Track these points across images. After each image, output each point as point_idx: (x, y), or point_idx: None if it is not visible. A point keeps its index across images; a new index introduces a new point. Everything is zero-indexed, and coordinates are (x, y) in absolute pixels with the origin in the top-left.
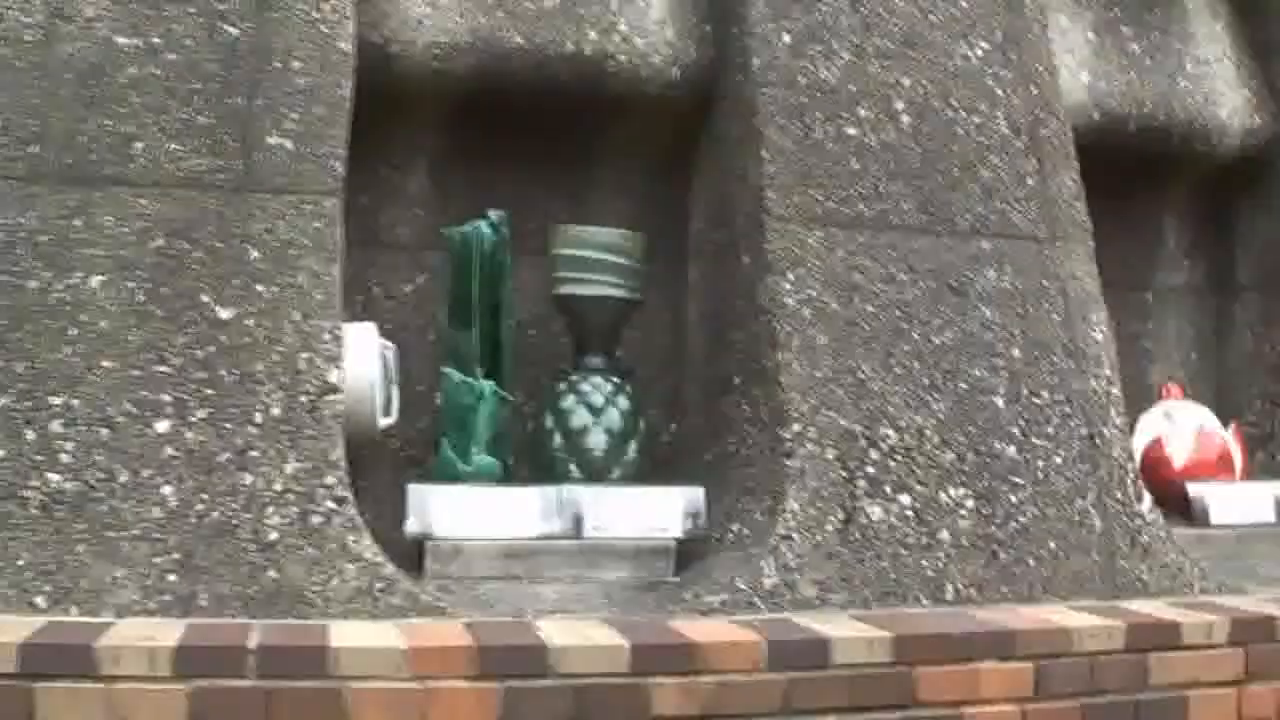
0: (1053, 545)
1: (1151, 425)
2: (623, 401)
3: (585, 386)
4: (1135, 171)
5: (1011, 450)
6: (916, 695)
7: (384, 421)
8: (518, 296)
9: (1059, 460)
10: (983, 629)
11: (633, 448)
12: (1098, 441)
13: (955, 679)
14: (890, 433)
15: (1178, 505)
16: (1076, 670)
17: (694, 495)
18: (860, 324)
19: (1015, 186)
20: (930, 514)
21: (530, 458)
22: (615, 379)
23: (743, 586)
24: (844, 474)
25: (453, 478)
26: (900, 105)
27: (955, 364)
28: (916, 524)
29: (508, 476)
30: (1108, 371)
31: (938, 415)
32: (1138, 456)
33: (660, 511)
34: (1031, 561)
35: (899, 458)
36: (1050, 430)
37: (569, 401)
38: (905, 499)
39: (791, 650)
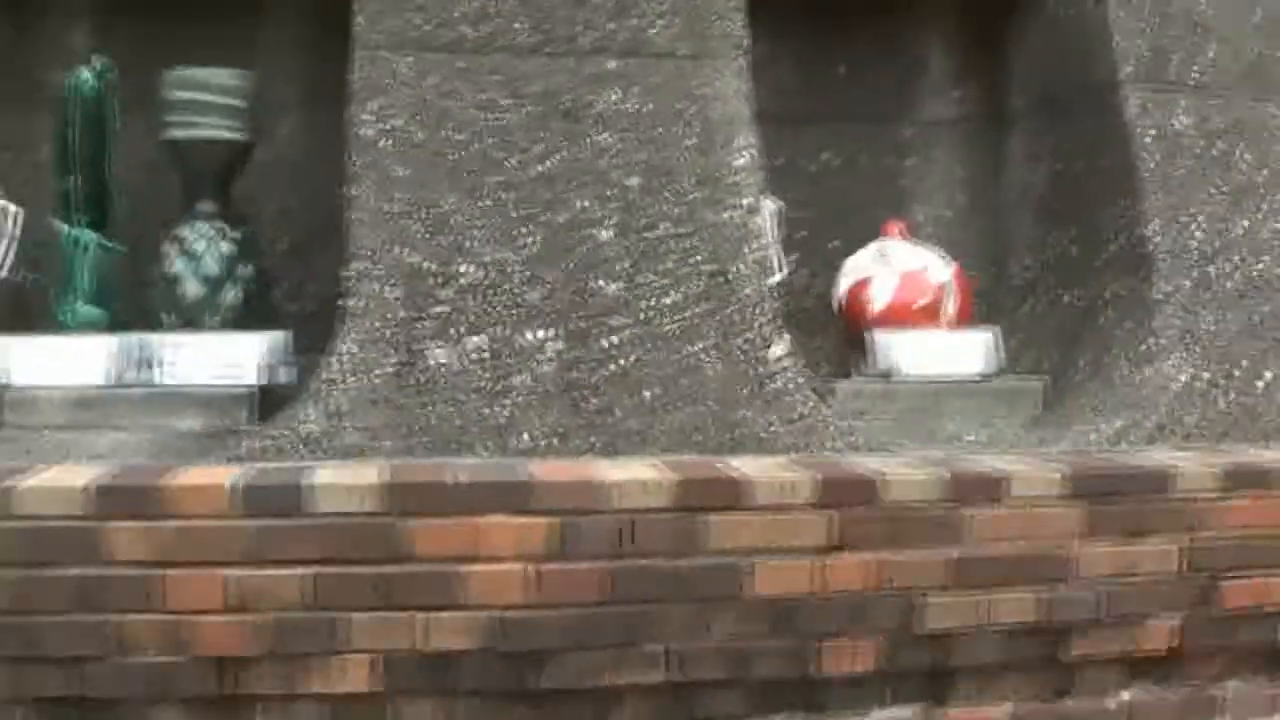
0: (654, 393)
1: (861, 265)
2: (224, 247)
3: (185, 233)
4: None
5: (614, 287)
6: (407, 549)
7: None
8: None
9: (673, 299)
10: (489, 479)
11: (232, 295)
12: (727, 279)
13: (453, 533)
14: (469, 269)
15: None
16: (606, 529)
17: (275, 341)
18: (448, 154)
19: (656, 1)
20: (506, 357)
21: (136, 306)
22: (220, 225)
23: (284, 433)
24: (409, 314)
25: (62, 327)
26: None
27: (557, 194)
28: (489, 368)
29: (118, 326)
30: (747, 201)
31: (528, 250)
32: (841, 298)
33: (238, 358)
34: (627, 410)
35: (476, 296)
36: (666, 266)
37: (168, 248)
38: (478, 340)
39: (264, 496)
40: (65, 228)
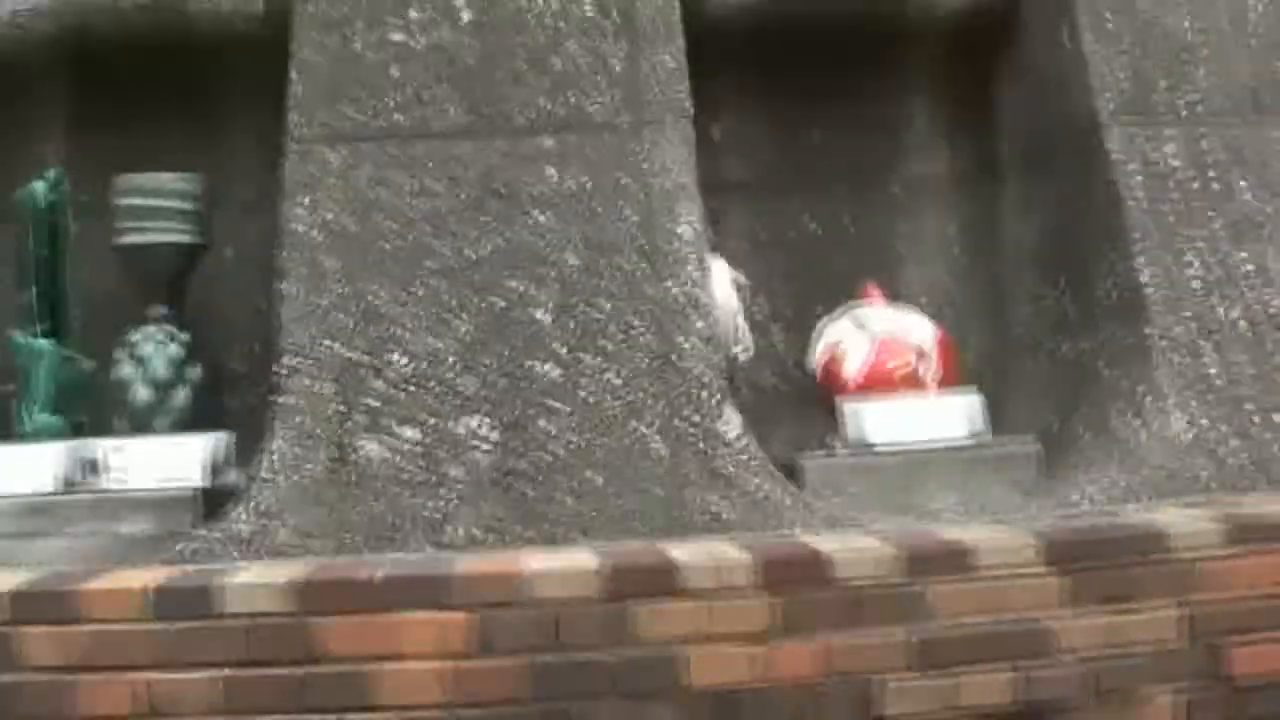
0: (597, 478)
1: (836, 333)
2: (173, 351)
3: (135, 338)
4: (855, 48)
5: (553, 371)
6: (322, 649)
7: None
8: None
9: (615, 379)
10: (404, 574)
11: (181, 396)
12: (672, 355)
13: (368, 631)
14: (401, 360)
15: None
16: (529, 623)
17: (218, 443)
18: (379, 244)
19: (595, 74)
20: (440, 448)
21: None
22: (169, 328)
23: (218, 534)
24: (341, 408)
25: (23, 435)
26: (461, 1)
27: (492, 278)
28: (422, 460)
29: (78, 431)
30: (692, 272)
31: (461, 337)
32: (817, 365)
33: (182, 461)
34: (567, 498)
35: (409, 387)
36: (608, 345)
37: (119, 354)
38: (411, 433)
39: (176, 599)
40: (22, 338)
